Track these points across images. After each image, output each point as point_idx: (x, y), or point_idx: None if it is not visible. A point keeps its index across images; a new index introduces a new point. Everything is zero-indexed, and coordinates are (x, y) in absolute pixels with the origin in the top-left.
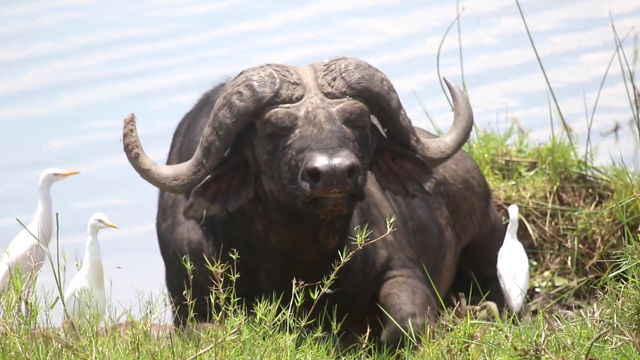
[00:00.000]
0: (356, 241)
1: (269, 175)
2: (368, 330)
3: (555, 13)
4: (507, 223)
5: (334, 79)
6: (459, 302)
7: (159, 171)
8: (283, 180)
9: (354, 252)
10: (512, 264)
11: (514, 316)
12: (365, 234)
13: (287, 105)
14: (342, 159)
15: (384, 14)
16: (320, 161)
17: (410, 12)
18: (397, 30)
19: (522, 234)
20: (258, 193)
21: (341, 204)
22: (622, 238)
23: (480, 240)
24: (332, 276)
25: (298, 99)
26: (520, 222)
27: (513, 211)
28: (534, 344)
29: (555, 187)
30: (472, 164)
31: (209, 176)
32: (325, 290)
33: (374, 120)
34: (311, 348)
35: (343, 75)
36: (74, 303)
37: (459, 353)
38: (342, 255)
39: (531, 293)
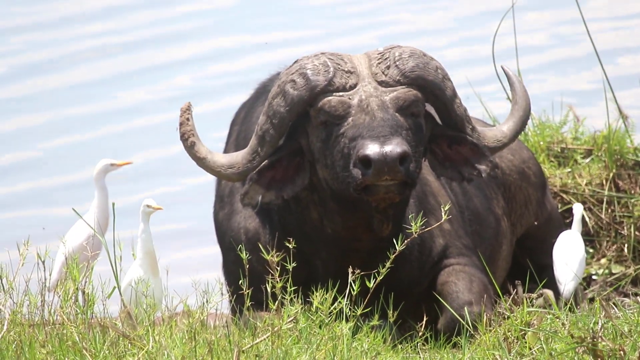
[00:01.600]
0: (412, 230)
1: (323, 163)
2: (424, 319)
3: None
4: (571, 220)
5: (388, 67)
6: (515, 290)
7: (215, 159)
8: (336, 168)
9: (409, 240)
10: (567, 251)
11: (571, 304)
12: (421, 223)
13: (340, 93)
14: (394, 147)
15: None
16: (372, 149)
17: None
18: (450, 17)
19: None
20: (313, 181)
21: (393, 192)
22: None
23: (536, 230)
24: (388, 264)
25: (352, 88)
26: None
27: (578, 210)
28: (591, 331)
29: (611, 174)
30: (528, 154)
31: (264, 163)
32: (380, 278)
33: (429, 108)
34: (367, 336)
35: (397, 63)
36: (131, 293)
37: (515, 341)
38: (398, 244)
39: (588, 280)
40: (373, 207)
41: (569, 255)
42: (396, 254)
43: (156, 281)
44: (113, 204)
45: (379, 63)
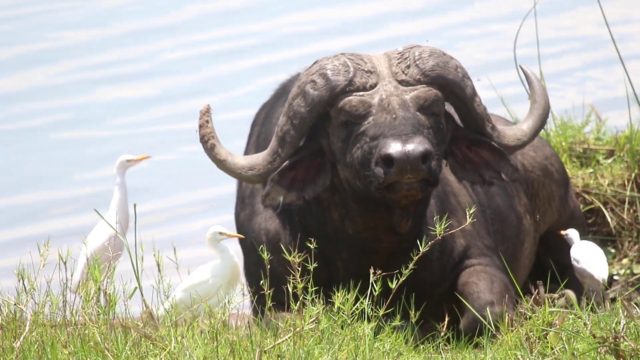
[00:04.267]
0: (434, 231)
1: (344, 163)
2: (446, 319)
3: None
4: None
5: (408, 66)
6: (537, 290)
7: (235, 161)
8: (357, 167)
9: (432, 242)
10: (589, 251)
11: (593, 304)
12: (444, 224)
13: (361, 93)
14: (416, 145)
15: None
16: (394, 147)
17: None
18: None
19: (601, 222)
20: (334, 182)
21: (415, 189)
22: None
23: (559, 228)
24: (411, 266)
25: (372, 87)
26: (599, 209)
27: (575, 235)
28: (613, 331)
29: (633, 175)
30: (551, 151)
31: (285, 164)
32: (402, 280)
33: (450, 109)
34: (389, 337)
35: (417, 62)
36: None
37: (537, 341)
38: (420, 245)
39: (609, 280)
40: (394, 203)
41: (592, 253)
42: (420, 255)
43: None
44: (135, 205)
45: (399, 62)
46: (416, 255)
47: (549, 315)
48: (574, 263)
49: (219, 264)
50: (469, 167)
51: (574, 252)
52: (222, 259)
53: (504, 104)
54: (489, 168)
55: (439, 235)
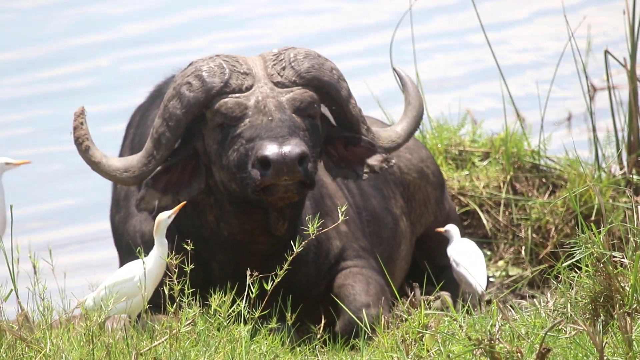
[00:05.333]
0: (309, 231)
1: (219, 165)
2: (323, 321)
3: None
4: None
5: (284, 68)
6: (413, 292)
7: (110, 163)
8: (233, 170)
9: (306, 242)
10: (468, 253)
11: (468, 306)
12: (318, 224)
13: (237, 95)
14: (292, 147)
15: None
16: (271, 149)
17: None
18: (354, 21)
19: (476, 224)
20: (209, 184)
21: (292, 191)
22: (576, 227)
23: (435, 230)
24: (286, 266)
25: (248, 89)
26: (474, 212)
27: (455, 232)
28: (488, 333)
29: (508, 177)
30: (427, 153)
31: (159, 168)
32: (277, 281)
33: (324, 110)
34: (266, 339)
35: (292, 64)
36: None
37: (413, 343)
38: (295, 246)
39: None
40: (270, 205)
41: (471, 255)
42: (294, 256)
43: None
44: (11, 206)
45: (275, 64)
46: (291, 256)
47: (425, 318)
48: (453, 264)
49: (149, 261)
50: (344, 166)
51: (454, 253)
52: (155, 257)
53: (380, 105)
54: (364, 164)
55: (312, 235)
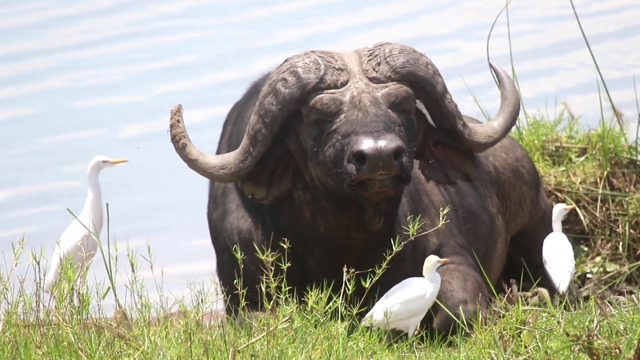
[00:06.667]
0: (406, 229)
1: (316, 161)
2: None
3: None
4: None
5: (379, 63)
6: (510, 289)
7: (206, 161)
8: (329, 165)
9: (406, 242)
10: (556, 249)
11: (566, 302)
12: (417, 224)
13: (332, 90)
14: (388, 142)
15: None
16: (366, 144)
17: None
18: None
19: (573, 220)
20: (305, 180)
21: (387, 186)
22: None
23: (530, 228)
24: (384, 265)
25: (343, 85)
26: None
27: (556, 210)
28: (586, 329)
29: (605, 173)
30: (522, 152)
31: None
32: (376, 278)
33: (420, 106)
34: (363, 335)
35: (387, 59)
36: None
37: (511, 339)
38: (393, 243)
39: (583, 279)
40: (366, 200)
41: (559, 251)
42: (392, 255)
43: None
44: (107, 204)
45: (370, 60)
46: (389, 255)
47: (523, 314)
48: (544, 264)
49: (429, 286)
50: (436, 165)
51: (544, 251)
52: (434, 285)
53: (476, 101)
54: (454, 168)
55: (412, 236)
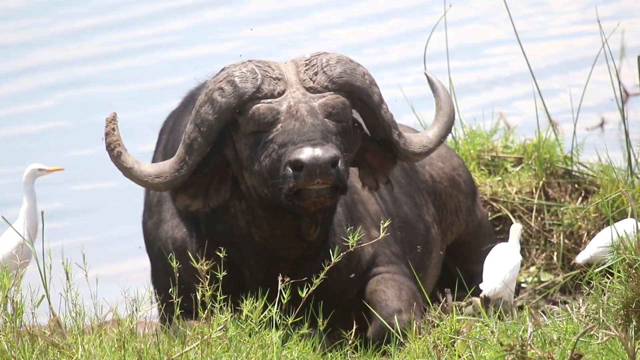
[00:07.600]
0: (344, 241)
1: (252, 171)
2: (354, 327)
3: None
4: (501, 229)
5: (316, 73)
6: (444, 298)
7: (142, 169)
8: (265, 175)
9: (344, 252)
10: (496, 257)
11: (500, 312)
12: (354, 233)
13: (269, 100)
14: (325, 151)
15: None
16: (303, 152)
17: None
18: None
19: (508, 230)
20: (241, 189)
21: (324, 196)
22: None
23: (466, 238)
24: (322, 275)
25: (280, 94)
26: (507, 217)
27: (516, 229)
28: (520, 339)
29: (541, 183)
30: (459, 162)
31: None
32: (312, 288)
33: (357, 116)
34: (297, 345)
35: (325, 69)
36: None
37: (445, 349)
38: (330, 253)
39: (517, 288)
40: (303, 210)
41: (497, 260)
42: (331, 265)
43: None
44: (42, 212)
45: (307, 70)
46: (326, 264)
47: (457, 323)
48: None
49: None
50: (368, 172)
51: (486, 259)
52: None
53: (413, 110)
54: (381, 173)
55: (352, 247)
